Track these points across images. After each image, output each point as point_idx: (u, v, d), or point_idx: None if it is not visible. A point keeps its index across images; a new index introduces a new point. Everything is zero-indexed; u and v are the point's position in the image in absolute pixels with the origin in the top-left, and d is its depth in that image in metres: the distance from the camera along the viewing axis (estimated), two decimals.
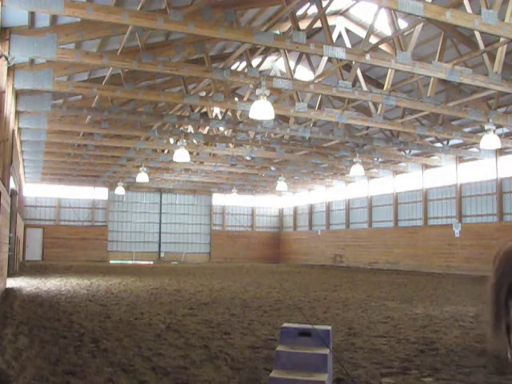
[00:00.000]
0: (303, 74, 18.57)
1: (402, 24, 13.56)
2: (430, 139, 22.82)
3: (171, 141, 22.72)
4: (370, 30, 12.32)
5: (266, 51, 16.76)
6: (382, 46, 14.88)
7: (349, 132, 19.78)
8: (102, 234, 37.56)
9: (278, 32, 14.43)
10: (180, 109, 19.87)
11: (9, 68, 10.81)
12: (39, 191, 36.01)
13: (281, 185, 30.77)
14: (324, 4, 12.19)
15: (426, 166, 27.47)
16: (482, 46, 12.13)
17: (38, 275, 19.18)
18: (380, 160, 26.67)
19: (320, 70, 14.36)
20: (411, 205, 29.01)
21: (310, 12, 14.80)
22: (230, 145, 22.62)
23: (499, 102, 17.03)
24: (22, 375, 4.72)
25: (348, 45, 15.74)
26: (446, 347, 6.33)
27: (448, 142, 23.45)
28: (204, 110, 20.08)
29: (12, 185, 15.66)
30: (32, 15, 10.17)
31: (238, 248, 40.69)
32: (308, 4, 13.46)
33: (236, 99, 19.09)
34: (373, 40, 14.00)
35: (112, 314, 9.01)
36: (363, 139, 20.12)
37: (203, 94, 18.52)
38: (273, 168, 29.38)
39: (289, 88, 13.49)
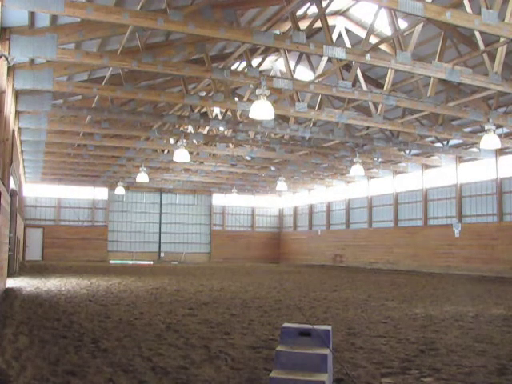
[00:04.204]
0: (303, 73, 18.57)
1: (402, 24, 13.56)
2: (429, 139, 22.82)
3: (171, 141, 22.73)
4: (370, 30, 12.32)
5: (266, 51, 16.76)
6: (382, 46, 14.88)
7: (349, 132, 19.77)
8: (101, 234, 37.56)
9: (277, 32, 14.42)
10: (180, 109, 19.87)
11: (9, 68, 10.81)
12: (39, 191, 36.00)
13: (281, 185, 30.77)
14: (324, 4, 12.19)
15: (426, 166, 27.47)
16: (482, 45, 12.13)
17: (38, 275, 19.17)
18: (380, 160, 26.67)
19: (320, 70, 14.36)
20: (411, 205, 29.02)
21: (310, 12, 14.79)
22: (230, 145, 22.63)
23: (499, 102, 17.04)
24: (22, 375, 4.72)
25: (348, 45, 15.74)
26: (446, 347, 6.33)
27: (448, 142, 23.45)
28: (204, 110, 20.07)
29: (12, 185, 15.65)
30: (32, 15, 10.17)
31: (238, 248, 40.69)
32: (308, 4, 13.45)
33: (236, 99, 19.10)
34: (373, 40, 14.00)
35: (112, 314, 9.01)
36: (363, 139, 20.12)
37: (203, 93, 18.52)
38: (273, 168, 29.38)
39: (289, 88, 13.49)
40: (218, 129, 21.44)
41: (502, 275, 21.47)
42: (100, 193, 38.02)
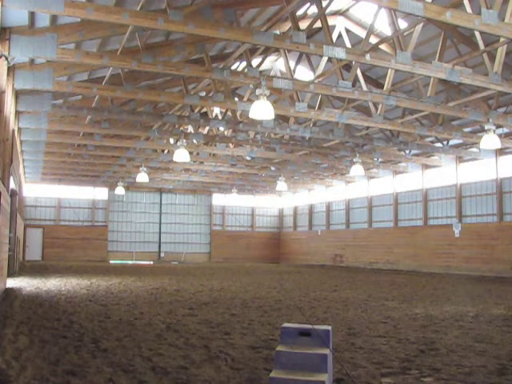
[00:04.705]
0: (303, 73, 18.57)
1: (402, 24, 13.56)
2: (429, 139, 22.82)
3: (171, 141, 22.72)
4: (370, 30, 12.32)
5: (266, 51, 16.76)
6: (382, 46, 14.88)
7: (349, 132, 19.77)
8: (102, 234, 37.55)
9: (278, 32, 14.42)
10: (180, 109, 19.87)
11: (9, 68, 10.81)
12: (39, 191, 35.99)
13: (281, 185, 30.77)
14: (324, 4, 12.20)
15: (426, 166, 27.47)
16: (482, 46, 12.13)
17: (38, 275, 19.17)
18: (380, 160, 26.67)
19: (320, 70, 14.36)
20: (411, 205, 29.01)
21: (310, 12, 14.79)
22: (230, 145, 22.62)
23: (499, 102, 17.04)
24: (22, 375, 4.73)
25: (348, 45, 15.74)
26: (446, 347, 6.33)
27: (448, 142, 23.45)
28: (204, 109, 20.07)
29: (12, 185, 15.65)
30: (32, 15, 10.17)
31: (238, 248, 40.68)
32: (308, 4, 13.45)
33: (236, 99, 19.10)
34: (373, 40, 14.00)
35: (112, 313, 9.01)
36: (363, 139, 20.12)
37: (203, 93, 18.52)
38: (273, 168, 29.38)
39: (289, 88, 13.49)
40: (218, 129, 21.44)
41: (501, 275, 21.47)
42: (100, 193, 38.01)
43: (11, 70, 11.56)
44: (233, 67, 17.74)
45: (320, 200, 37.86)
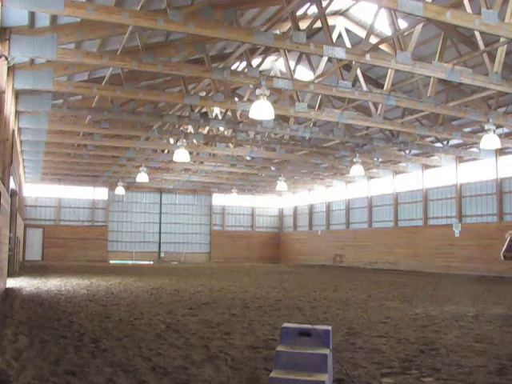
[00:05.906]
0: (303, 74, 18.57)
1: (402, 24, 13.56)
2: (429, 139, 22.82)
3: (171, 141, 22.72)
4: (370, 30, 12.32)
5: (266, 51, 16.76)
6: (382, 46, 14.87)
7: (349, 132, 19.77)
8: (102, 234, 37.53)
9: (278, 32, 14.42)
10: (180, 109, 19.86)
11: (9, 68, 10.81)
12: (39, 191, 35.97)
13: (281, 185, 30.75)
14: (324, 4, 12.20)
15: (426, 166, 27.47)
16: (482, 46, 12.13)
17: (38, 275, 19.17)
18: (380, 160, 26.67)
19: (320, 70, 14.36)
20: (411, 205, 29.01)
21: (310, 12, 14.79)
22: (230, 145, 22.62)
23: (499, 102, 17.03)
24: (22, 375, 4.73)
25: (348, 45, 15.74)
26: (446, 347, 6.33)
27: (448, 142, 23.44)
28: (204, 110, 20.07)
29: (12, 185, 15.64)
30: (32, 15, 10.17)
31: (238, 248, 40.67)
32: (308, 4, 13.46)
33: (236, 99, 19.09)
34: (373, 40, 14.00)
35: (112, 313, 9.01)
36: (363, 139, 20.12)
37: (203, 94, 18.51)
38: (273, 168, 29.37)
39: (289, 88, 13.48)
40: (218, 129, 21.43)
41: (501, 275, 21.46)
42: (100, 193, 37.99)
43: (11, 69, 11.56)
44: (233, 67, 17.72)
45: (320, 200, 37.84)
